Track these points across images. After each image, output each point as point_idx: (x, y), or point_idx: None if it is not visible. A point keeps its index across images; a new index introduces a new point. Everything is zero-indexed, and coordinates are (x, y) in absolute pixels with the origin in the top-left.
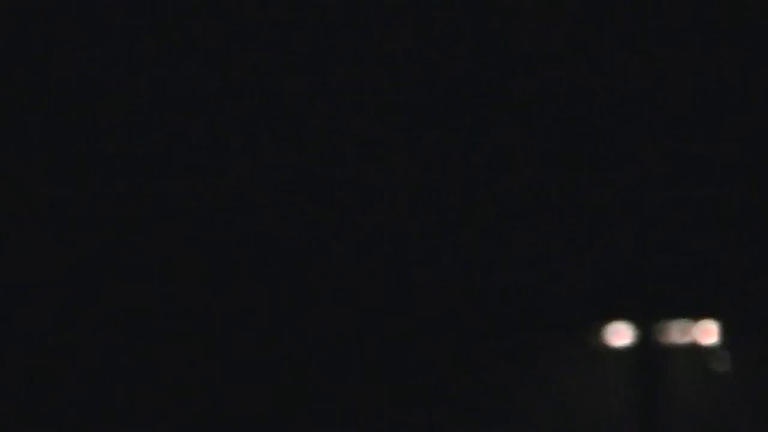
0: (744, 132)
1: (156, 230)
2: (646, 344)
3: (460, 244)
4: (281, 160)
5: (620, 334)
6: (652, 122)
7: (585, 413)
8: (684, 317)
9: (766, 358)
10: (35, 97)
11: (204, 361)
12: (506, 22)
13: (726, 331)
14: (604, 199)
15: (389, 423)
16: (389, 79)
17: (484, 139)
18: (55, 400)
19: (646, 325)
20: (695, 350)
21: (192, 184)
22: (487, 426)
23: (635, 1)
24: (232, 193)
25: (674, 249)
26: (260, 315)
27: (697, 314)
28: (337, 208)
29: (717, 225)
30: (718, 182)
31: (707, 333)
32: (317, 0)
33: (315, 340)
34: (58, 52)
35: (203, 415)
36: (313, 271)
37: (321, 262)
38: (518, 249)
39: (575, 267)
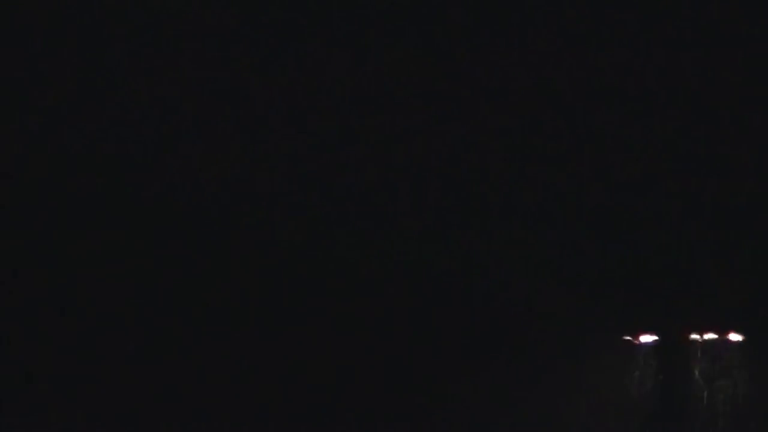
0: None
1: (155, 230)
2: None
3: (506, 261)
4: (281, 159)
5: None
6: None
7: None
8: (709, 332)
9: None
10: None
11: (204, 361)
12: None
13: (750, 346)
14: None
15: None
16: (389, 79)
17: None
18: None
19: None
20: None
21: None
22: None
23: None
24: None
25: (700, 265)
26: (259, 315)
27: (722, 330)
28: (337, 208)
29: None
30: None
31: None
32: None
33: (314, 340)
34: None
35: (203, 414)
36: (312, 270)
37: (320, 262)
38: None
39: (606, 285)
